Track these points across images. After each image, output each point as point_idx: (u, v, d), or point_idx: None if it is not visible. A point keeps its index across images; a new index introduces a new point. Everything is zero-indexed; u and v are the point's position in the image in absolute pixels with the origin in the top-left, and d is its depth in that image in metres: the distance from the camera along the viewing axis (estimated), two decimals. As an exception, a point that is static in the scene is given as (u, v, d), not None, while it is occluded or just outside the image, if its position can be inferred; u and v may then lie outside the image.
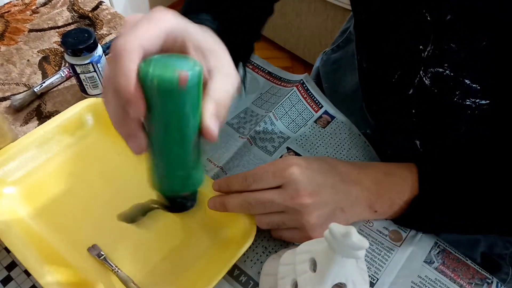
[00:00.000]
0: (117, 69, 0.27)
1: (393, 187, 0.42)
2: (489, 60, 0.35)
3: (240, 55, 0.48)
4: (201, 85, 0.29)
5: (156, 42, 0.28)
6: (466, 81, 0.37)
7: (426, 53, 0.38)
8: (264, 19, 0.54)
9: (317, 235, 0.39)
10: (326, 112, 0.58)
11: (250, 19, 0.52)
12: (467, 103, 0.38)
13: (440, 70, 0.38)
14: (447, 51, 0.37)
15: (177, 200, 0.35)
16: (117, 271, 0.42)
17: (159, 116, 0.28)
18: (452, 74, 0.37)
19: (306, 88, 0.60)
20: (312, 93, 0.59)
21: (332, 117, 0.57)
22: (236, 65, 0.46)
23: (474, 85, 0.37)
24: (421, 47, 0.39)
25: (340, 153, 0.53)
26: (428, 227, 0.45)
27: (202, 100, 0.30)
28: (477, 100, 0.38)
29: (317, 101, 0.59)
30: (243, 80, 0.56)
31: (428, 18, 0.37)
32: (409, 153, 0.47)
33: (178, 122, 0.29)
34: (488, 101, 0.37)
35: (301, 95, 0.59)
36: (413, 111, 0.44)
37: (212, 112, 0.30)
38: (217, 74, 0.30)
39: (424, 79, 0.40)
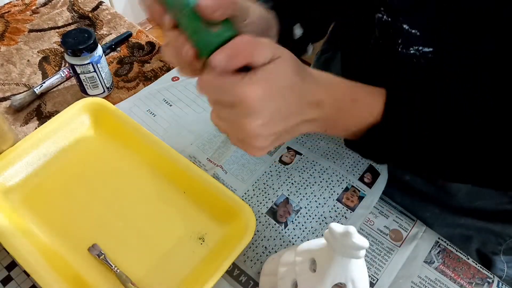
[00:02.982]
0: None
1: (354, 116, 0.37)
2: (423, 1, 0.35)
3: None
4: None
5: None
6: (405, 26, 0.36)
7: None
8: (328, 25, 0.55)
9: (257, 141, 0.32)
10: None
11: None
12: (411, 51, 0.37)
13: (379, 15, 0.38)
14: None
15: None
16: (117, 271, 0.42)
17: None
18: (389, 19, 0.37)
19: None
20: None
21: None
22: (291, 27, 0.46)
23: (413, 31, 0.36)
24: None
25: (342, 147, 0.53)
26: (377, 157, 0.41)
27: None
28: (420, 48, 0.37)
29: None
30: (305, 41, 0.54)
31: None
32: None
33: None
34: (431, 49, 0.37)
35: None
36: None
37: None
38: None
39: (376, 32, 0.40)
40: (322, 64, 0.69)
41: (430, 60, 0.37)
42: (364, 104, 0.37)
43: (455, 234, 0.51)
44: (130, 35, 0.70)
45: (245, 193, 0.49)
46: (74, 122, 0.52)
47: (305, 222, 0.47)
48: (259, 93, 0.29)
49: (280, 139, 0.33)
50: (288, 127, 0.33)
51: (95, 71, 0.56)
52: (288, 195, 0.49)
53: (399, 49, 0.38)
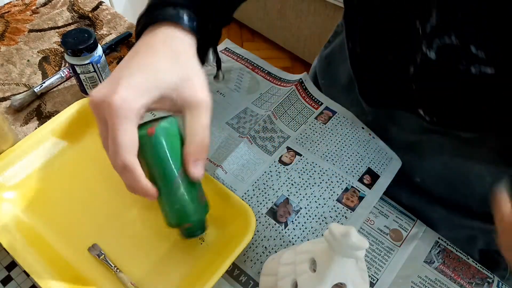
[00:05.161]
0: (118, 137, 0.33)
1: None
2: (494, 22, 0.35)
3: (213, 42, 0.49)
4: (173, 135, 0.35)
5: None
6: (472, 47, 0.36)
7: (429, 27, 0.38)
8: (237, 4, 0.53)
9: None
10: (327, 108, 0.58)
11: (226, 7, 0.50)
12: (472, 71, 0.38)
13: (447, 40, 0.38)
14: (454, 20, 0.36)
15: (185, 228, 0.41)
16: (116, 271, 0.42)
17: (143, 160, 0.36)
18: (458, 42, 0.37)
19: (304, 87, 0.60)
20: (310, 92, 0.59)
21: (334, 112, 0.57)
22: (207, 51, 0.47)
23: (479, 51, 0.36)
24: (418, 22, 0.38)
25: (341, 150, 0.53)
26: None
27: (184, 144, 0.36)
28: (481, 67, 0.37)
29: (316, 100, 0.59)
30: (218, 65, 0.56)
31: None
32: (416, 126, 0.46)
33: (157, 164, 0.36)
34: (493, 69, 0.37)
35: (300, 94, 0.59)
36: (414, 87, 0.43)
37: (191, 154, 0.35)
38: (188, 111, 0.35)
39: (428, 53, 0.39)
40: (324, 59, 0.67)
41: (490, 79, 0.37)
42: None
43: (460, 235, 0.51)
44: (130, 35, 0.70)
45: (245, 193, 0.49)
46: (73, 122, 0.51)
47: (305, 222, 0.47)
48: None
49: None
50: None
51: (95, 71, 0.56)
52: (288, 195, 0.49)
53: (459, 67, 0.38)
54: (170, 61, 0.36)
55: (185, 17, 0.40)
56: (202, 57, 0.45)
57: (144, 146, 0.35)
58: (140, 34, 0.41)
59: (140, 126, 0.35)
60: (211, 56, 0.52)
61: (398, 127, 0.52)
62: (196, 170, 0.36)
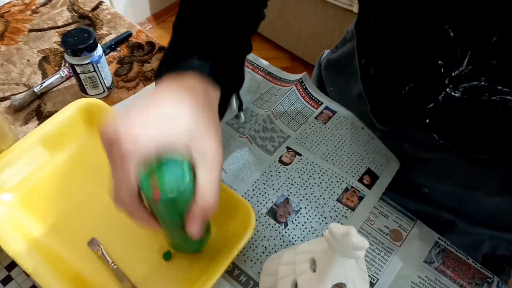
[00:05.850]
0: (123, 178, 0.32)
1: None
2: None
3: (234, 87, 0.48)
4: (178, 199, 0.33)
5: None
6: (499, 87, 0.37)
7: (457, 72, 0.38)
8: (254, 30, 0.51)
9: None
10: (327, 108, 0.58)
11: (241, 43, 0.48)
12: (493, 98, 0.38)
13: (475, 83, 0.38)
14: (487, 68, 0.36)
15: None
16: (114, 267, 0.42)
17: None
18: (487, 84, 0.37)
19: (304, 87, 0.60)
20: (310, 92, 0.59)
21: (334, 112, 0.57)
22: (229, 97, 0.46)
23: (505, 89, 0.37)
24: (440, 62, 0.38)
25: (341, 150, 0.53)
26: None
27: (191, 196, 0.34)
28: (503, 96, 0.38)
29: (316, 99, 0.59)
30: (240, 108, 0.57)
31: (451, 35, 0.36)
32: (429, 144, 0.46)
33: (156, 214, 0.36)
34: None
35: (300, 94, 0.59)
36: (427, 121, 0.43)
37: (196, 216, 0.34)
38: (200, 165, 0.34)
39: (453, 93, 0.40)
40: (332, 66, 0.66)
41: (509, 105, 0.38)
42: None
43: (466, 240, 0.51)
44: (130, 35, 0.70)
45: (245, 193, 0.49)
46: (69, 122, 0.51)
47: (305, 222, 0.47)
48: None
49: None
50: None
51: (95, 71, 0.56)
52: (288, 195, 0.49)
53: (482, 98, 0.38)
54: (190, 111, 0.35)
55: (210, 68, 0.40)
56: (225, 104, 0.45)
57: (146, 198, 0.34)
58: (161, 76, 0.40)
59: (146, 168, 0.33)
60: (233, 103, 0.55)
61: (410, 143, 0.52)
62: (196, 231, 0.35)
